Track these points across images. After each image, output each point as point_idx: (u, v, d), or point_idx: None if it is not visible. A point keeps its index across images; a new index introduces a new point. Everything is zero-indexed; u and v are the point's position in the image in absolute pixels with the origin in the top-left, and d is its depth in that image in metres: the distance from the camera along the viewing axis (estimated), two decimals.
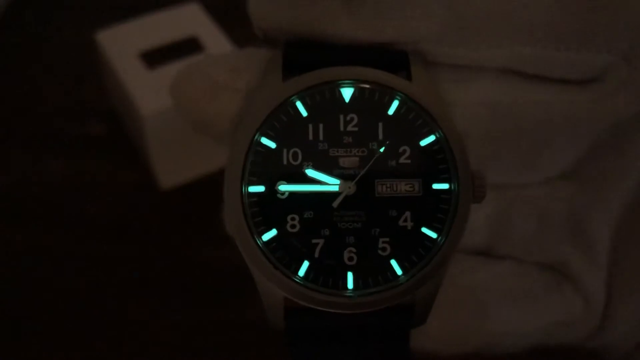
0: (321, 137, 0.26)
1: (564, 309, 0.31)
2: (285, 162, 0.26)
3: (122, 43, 0.52)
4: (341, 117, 0.26)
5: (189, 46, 0.52)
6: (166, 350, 0.45)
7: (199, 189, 0.53)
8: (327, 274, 0.26)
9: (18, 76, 0.62)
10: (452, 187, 0.26)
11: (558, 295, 0.31)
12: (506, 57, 0.27)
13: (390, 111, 0.26)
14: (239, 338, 0.46)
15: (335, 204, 0.26)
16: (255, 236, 0.26)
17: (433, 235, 0.26)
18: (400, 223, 0.26)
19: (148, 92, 0.49)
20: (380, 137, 0.26)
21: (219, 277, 0.48)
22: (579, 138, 0.29)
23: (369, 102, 0.26)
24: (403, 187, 0.26)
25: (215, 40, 0.52)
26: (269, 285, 0.26)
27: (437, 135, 0.26)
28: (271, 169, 0.26)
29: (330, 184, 0.26)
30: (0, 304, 0.47)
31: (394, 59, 0.27)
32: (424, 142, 0.26)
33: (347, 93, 0.26)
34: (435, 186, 0.26)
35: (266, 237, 0.26)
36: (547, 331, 0.31)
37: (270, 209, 0.26)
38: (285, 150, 0.26)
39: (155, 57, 0.51)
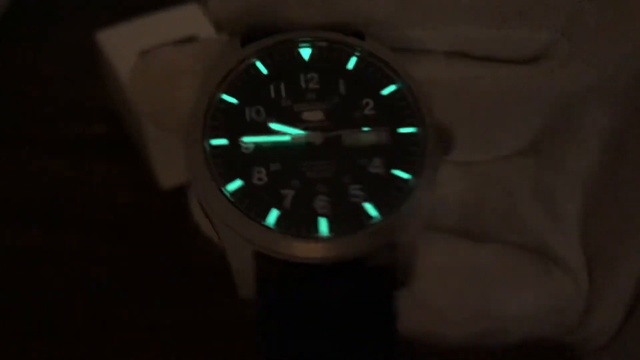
0: (283, 95, 0.26)
1: (556, 291, 0.30)
2: (248, 118, 0.26)
3: (122, 43, 0.52)
4: (302, 75, 0.26)
5: None
6: (165, 349, 0.45)
7: None
8: (299, 223, 0.24)
9: (17, 76, 0.62)
10: (419, 130, 0.26)
11: (549, 278, 0.30)
12: (452, 38, 0.27)
13: (350, 66, 0.27)
14: (239, 337, 0.46)
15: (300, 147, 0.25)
16: (220, 186, 0.24)
17: (405, 175, 0.25)
18: (371, 169, 0.26)
19: None
20: (343, 92, 0.26)
21: (219, 276, 0.48)
22: (530, 114, 0.29)
23: (328, 60, 0.26)
24: (370, 136, 0.26)
25: None
26: (237, 240, 0.24)
27: (398, 85, 0.26)
28: (234, 123, 0.25)
29: (296, 134, 0.26)
30: (0, 304, 0.47)
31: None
32: (385, 92, 0.26)
33: (305, 52, 0.27)
34: (402, 130, 0.26)
35: (231, 187, 0.24)
36: (542, 317, 0.30)
37: (234, 162, 0.25)
38: (247, 108, 0.26)
39: None
